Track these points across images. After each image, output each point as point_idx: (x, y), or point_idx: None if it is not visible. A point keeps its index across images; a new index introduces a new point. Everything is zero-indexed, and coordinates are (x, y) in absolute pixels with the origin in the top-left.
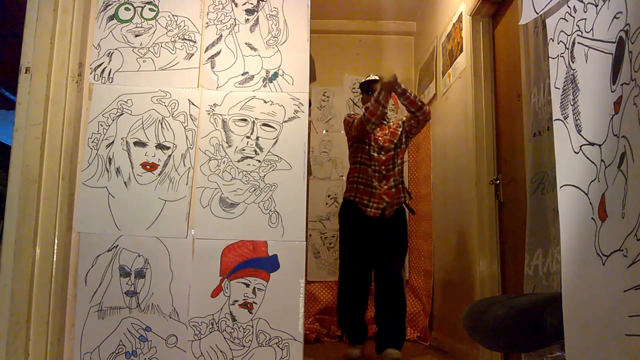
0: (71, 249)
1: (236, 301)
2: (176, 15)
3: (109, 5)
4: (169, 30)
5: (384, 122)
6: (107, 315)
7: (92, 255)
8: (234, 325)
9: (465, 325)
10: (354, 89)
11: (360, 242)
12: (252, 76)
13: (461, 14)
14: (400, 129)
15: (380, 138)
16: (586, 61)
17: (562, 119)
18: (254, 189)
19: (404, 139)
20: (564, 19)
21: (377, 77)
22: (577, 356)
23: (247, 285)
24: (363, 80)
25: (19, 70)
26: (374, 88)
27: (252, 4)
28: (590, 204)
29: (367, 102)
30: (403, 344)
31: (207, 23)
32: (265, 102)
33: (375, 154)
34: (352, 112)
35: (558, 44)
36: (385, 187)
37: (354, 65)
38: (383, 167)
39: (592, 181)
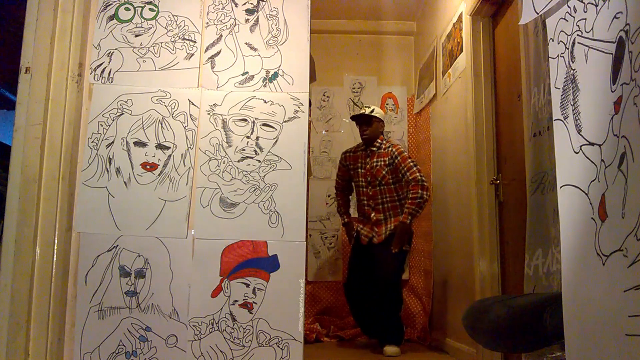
0: (71, 249)
1: (236, 301)
2: (176, 15)
3: (109, 5)
4: (169, 30)
5: (374, 148)
6: (107, 315)
7: (92, 255)
8: (234, 325)
9: (465, 325)
10: (354, 89)
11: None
12: (252, 76)
13: (461, 14)
14: (387, 166)
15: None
16: (586, 61)
17: (562, 119)
18: (254, 189)
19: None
20: (564, 19)
21: (365, 111)
22: (577, 356)
23: (247, 285)
24: (353, 115)
25: (19, 70)
26: (363, 121)
27: (252, 4)
28: (590, 204)
29: (360, 133)
30: (402, 339)
31: (207, 23)
32: (265, 102)
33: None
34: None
35: (558, 44)
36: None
37: (354, 65)
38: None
39: (592, 181)
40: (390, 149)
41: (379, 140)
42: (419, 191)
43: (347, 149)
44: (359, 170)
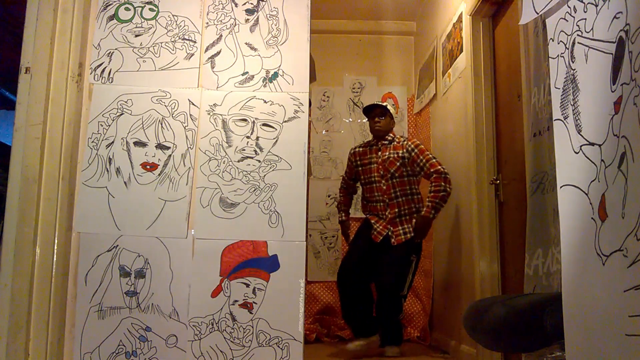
0: (71, 249)
1: (236, 301)
2: (176, 15)
3: (109, 5)
4: (169, 30)
5: (385, 142)
6: (107, 315)
7: (92, 255)
8: (234, 325)
9: (465, 325)
10: (354, 89)
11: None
12: (252, 76)
13: (461, 14)
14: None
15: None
16: (586, 61)
17: (562, 119)
18: (254, 189)
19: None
20: (564, 19)
21: (379, 103)
22: (577, 356)
23: (247, 285)
24: (365, 106)
25: (19, 70)
26: (376, 113)
27: (252, 4)
28: (590, 204)
29: (371, 127)
30: (402, 339)
31: (207, 23)
32: (265, 102)
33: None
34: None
35: (558, 44)
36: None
37: (354, 65)
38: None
39: (592, 181)
40: (405, 142)
41: (391, 135)
42: (442, 184)
43: (355, 146)
44: (372, 165)
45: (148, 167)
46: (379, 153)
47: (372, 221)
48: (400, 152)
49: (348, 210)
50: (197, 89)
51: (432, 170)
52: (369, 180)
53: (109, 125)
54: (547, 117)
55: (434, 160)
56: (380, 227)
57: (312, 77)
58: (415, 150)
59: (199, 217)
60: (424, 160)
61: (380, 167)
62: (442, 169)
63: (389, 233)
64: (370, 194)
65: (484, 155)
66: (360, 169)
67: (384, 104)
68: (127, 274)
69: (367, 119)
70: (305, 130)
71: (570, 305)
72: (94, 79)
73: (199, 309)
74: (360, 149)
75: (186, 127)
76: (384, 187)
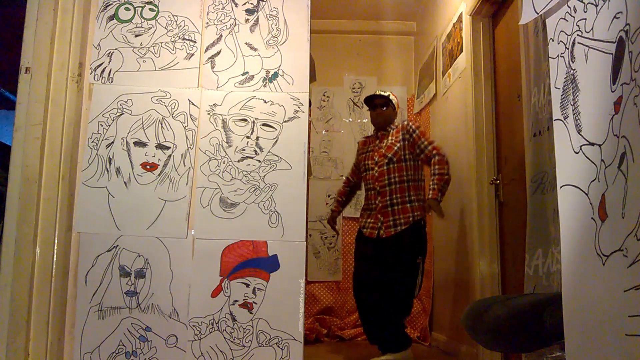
0: (71, 249)
1: (236, 301)
2: (176, 15)
3: (109, 5)
4: (169, 30)
5: (385, 132)
6: (107, 315)
7: (92, 255)
8: (234, 325)
9: (465, 325)
10: (354, 89)
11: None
12: (252, 76)
13: (461, 14)
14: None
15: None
16: (586, 61)
17: (562, 119)
18: (254, 189)
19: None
20: (564, 19)
21: (381, 93)
22: (577, 356)
23: (247, 285)
24: (367, 95)
25: (19, 70)
26: (378, 103)
27: (252, 4)
28: (590, 204)
29: (372, 118)
30: (399, 345)
31: (207, 23)
32: (265, 102)
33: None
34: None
35: (558, 44)
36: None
37: (354, 65)
38: (377, 183)
39: (592, 181)
40: (404, 123)
41: (392, 126)
42: (445, 167)
43: (363, 136)
44: (368, 153)
45: (148, 167)
46: (377, 142)
47: (363, 220)
48: (401, 134)
49: (342, 202)
50: (197, 89)
51: (434, 152)
52: (364, 169)
53: (109, 125)
54: (547, 117)
55: (435, 143)
56: (371, 222)
57: (312, 77)
58: (417, 132)
59: (199, 217)
60: (425, 143)
61: (376, 154)
62: (444, 153)
63: (379, 224)
64: (365, 184)
65: (484, 155)
66: (361, 156)
67: (386, 93)
68: (127, 274)
69: (368, 110)
70: (305, 130)
71: (570, 305)
72: (94, 79)
73: (199, 309)
74: (363, 139)
75: (186, 127)
76: (376, 175)
